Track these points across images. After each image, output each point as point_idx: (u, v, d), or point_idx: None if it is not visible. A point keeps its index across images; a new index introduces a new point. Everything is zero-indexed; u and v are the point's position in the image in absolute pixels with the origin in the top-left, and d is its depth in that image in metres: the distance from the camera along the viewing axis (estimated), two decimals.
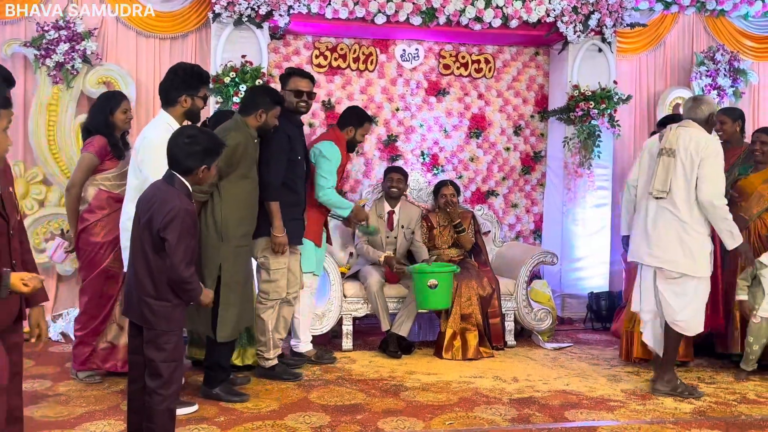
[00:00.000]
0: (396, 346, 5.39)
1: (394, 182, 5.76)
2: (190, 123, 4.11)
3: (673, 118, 5.34)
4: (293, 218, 4.62)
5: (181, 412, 3.85)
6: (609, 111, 6.53)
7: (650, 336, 4.61)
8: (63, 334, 5.58)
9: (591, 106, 6.45)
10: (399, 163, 6.64)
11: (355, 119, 5.21)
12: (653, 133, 5.49)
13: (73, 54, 5.83)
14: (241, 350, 4.79)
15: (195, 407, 4.02)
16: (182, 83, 4.06)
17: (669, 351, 4.50)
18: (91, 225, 4.44)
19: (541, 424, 3.93)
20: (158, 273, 3.11)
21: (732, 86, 6.95)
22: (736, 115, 5.29)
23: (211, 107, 5.97)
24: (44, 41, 5.80)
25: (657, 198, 4.38)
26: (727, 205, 4.37)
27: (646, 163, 4.57)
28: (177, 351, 3.18)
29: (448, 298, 5.29)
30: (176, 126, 4.00)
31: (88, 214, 4.45)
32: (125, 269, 3.59)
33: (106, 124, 4.50)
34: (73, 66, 5.85)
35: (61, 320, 5.67)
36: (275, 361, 4.69)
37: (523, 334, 6.02)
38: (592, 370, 5.06)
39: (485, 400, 4.35)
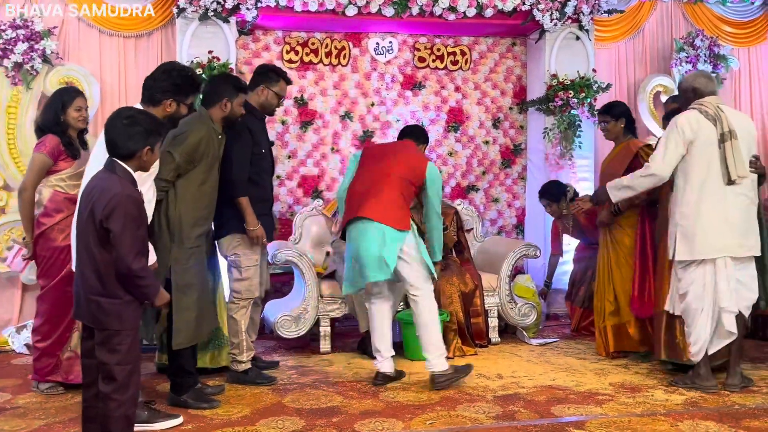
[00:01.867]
0: None
1: None
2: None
3: (675, 99, 5.20)
4: (261, 214, 4.40)
5: (165, 425, 3.65)
6: (589, 100, 6.38)
7: (703, 335, 4.21)
8: (27, 346, 5.33)
9: (570, 96, 6.30)
10: None
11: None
12: (666, 117, 5.14)
13: (32, 54, 5.60)
14: (214, 353, 4.57)
15: (180, 419, 3.73)
16: (173, 86, 3.73)
17: (740, 341, 4.29)
18: (48, 229, 4.20)
19: (526, 420, 3.74)
20: (105, 268, 2.88)
21: (713, 72, 6.80)
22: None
23: None
24: (1, 41, 5.57)
25: (734, 184, 4.15)
26: None
27: (701, 152, 4.16)
28: (132, 353, 2.94)
29: None
30: None
31: (45, 218, 4.21)
32: None
33: (57, 122, 4.24)
34: (32, 66, 5.63)
35: (25, 331, 5.42)
36: (248, 365, 4.47)
37: (508, 331, 5.84)
38: (579, 365, 4.88)
39: (468, 398, 4.15)
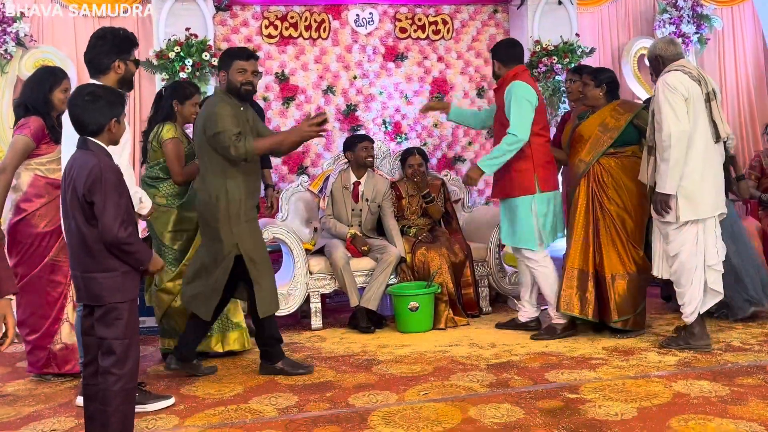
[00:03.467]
0: (367, 321, 5.17)
1: (370, 151, 5.48)
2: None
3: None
4: None
5: (157, 406, 3.63)
6: (573, 65, 6.32)
7: (698, 295, 4.24)
8: (16, 334, 5.26)
9: (554, 62, 6.26)
10: (360, 132, 6.38)
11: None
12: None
13: (5, 37, 5.51)
14: (219, 336, 4.51)
15: (171, 400, 3.71)
16: (113, 47, 3.60)
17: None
18: (29, 215, 4.06)
19: (520, 387, 3.73)
20: (95, 244, 2.83)
21: (696, 33, 6.78)
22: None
23: (156, 84, 5.67)
24: None
25: (719, 142, 4.22)
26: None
27: (693, 110, 4.15)
28: (131, 327, 2.91)
29: (429, 320, 5.07)
30: None
31: (25, 203, 4.07)
32: None
33: (45, 101, 4.10)
34: (6, 50, 5.53)
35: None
36: None
37: (499, 300, 5.83)
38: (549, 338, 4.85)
39: (462, 367, 4.14)
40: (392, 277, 5.30)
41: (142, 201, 3.75)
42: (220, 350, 4.50)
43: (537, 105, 4.63)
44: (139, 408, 3.49)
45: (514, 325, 5.00)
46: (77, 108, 2.91)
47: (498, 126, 4.79)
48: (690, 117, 4.13)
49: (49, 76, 4.17)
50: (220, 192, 3.97)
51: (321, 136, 4.10)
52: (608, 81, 4.80)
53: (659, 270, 4.40)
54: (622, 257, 4.60)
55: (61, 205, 3.01)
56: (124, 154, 3.49)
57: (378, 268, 5.26)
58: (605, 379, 3.79)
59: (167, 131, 4.30)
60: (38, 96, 4.12)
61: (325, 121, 3.92)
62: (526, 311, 4.98)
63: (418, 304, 4.99)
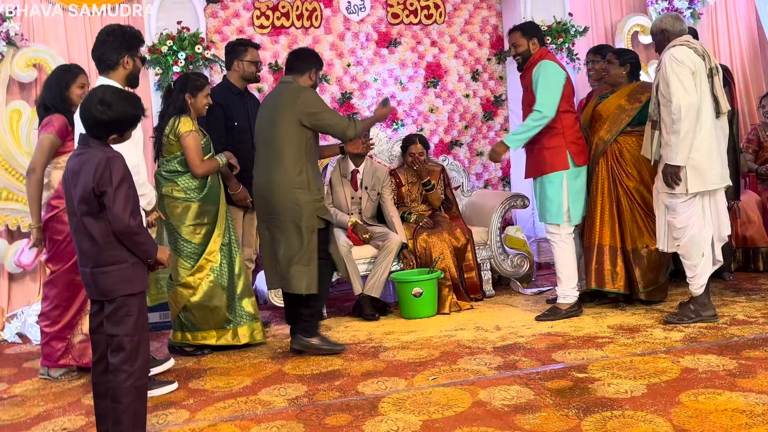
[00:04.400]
0: (371, 309, 5.17)
1: (367, 139, 5.45)
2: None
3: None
4: (242, 181, 4.60)
5: (161, 391, 3.75)
6: (567, 45, 6.33)
7: (708, 267, 4.33)
8: (19, 335, 5.26)
9: (548, 42, 6.21)
10: None
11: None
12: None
13: None
14: (236, 330, 4.47)
15: (174, 385, 3.85)
16: (122, 43, 3.71)
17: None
18: (60, 212, 4.06)
19: (528, 368, 3.74)
20: (105, 237, 2.83)
21: (689, 8, 6.75)
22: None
23: (150, 79, 5.64)
24: None
25: (719, 117, 4.29)
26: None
27: (699, 84, 4.20)
28: (140, 324, 2.90)
29: (433, 305, 5.06)
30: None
31: (56, 200, 4.08)
32: None
33: (62, 98, 4.15)
34: None
35: (15, 320, 5.35)
36: None
37: (501, 283, 5.84)
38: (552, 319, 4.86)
39: (468, 351, 4.15)
40: (395, 264, 5.30)
41: (147, 198, 3.80)
42: (237, 343, 4.48)
43: (565, 83, 4.67)
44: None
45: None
46: (89, 114, 2.89)
47: (525, 107, 4.84)
48: (698, 90, 4.16)
49: (65, 74, 4.26)
50: (302, 173, 4.21)
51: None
52: (632, 61, 4.92)
53: (664, 244, 4.43)
54: (642, 231, 4.74)
55: (66, 205, 2.98)
56: (137, 149, 3.55)
57: (380, 255, 5.26)
58: (612, 358, 3.80)
59: (184, 124, 4.30)
60: (55, 94, 4.19)
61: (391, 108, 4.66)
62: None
63: (421, 290, 4.99)
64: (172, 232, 4.38)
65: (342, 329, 4.92)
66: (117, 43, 3.71)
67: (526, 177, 4.93)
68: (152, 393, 3.68)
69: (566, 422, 2.99)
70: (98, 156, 2.81)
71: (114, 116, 2.86)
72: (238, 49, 5.00)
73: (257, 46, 5.13)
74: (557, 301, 4.79)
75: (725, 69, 5.25)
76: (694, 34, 5.00)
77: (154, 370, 3.87)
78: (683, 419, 2.92)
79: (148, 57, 5.56)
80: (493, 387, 3.48)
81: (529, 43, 4.78)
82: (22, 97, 5.67)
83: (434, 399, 3.38)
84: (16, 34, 5.53)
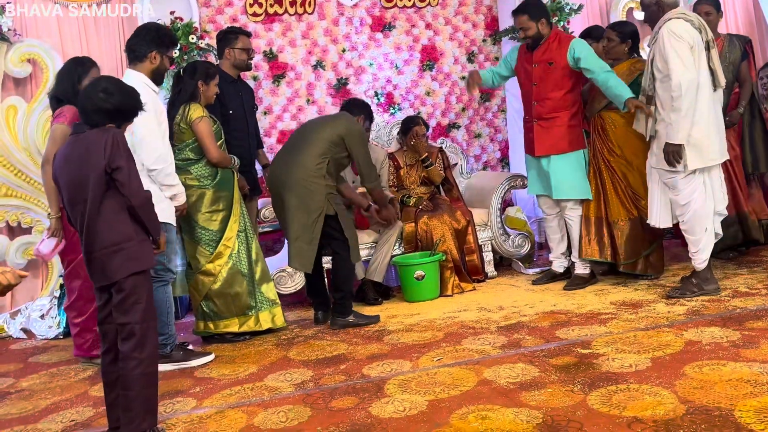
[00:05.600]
0: (374, 293, 5.19)
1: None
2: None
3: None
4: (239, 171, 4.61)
5: (200, 361, 4.07)
6: (562, 23, 6.28)
7: (711, 240, 4.36)
8: (24, 330, 5.27)
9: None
10: None
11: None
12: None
13: None
14: (257, 315, 4.48)
15: (212, 356, 4.16)
16: (154, 39, 3.98)
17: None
18: None
19: (533, 346, 3.75)
20: (115, 215, 2.88)
21: None
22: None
23: None
24: None
25: (716, 90, 4.28)
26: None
27: (698, 58, 4.17)
28: (149, 311, 2.94)
29: (436, 287, 5.07)
30: (151, 83, 3.99)
31: None
32: None
33: (75, 92, 4.16)
34: None
35: (20, 316, 5.36)
36: None
37: (503, 264, 5.85)
38: (578, 288, 4.89)
39: (472, 331, 4.16)
40: (396, 247, 5.30)
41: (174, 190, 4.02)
42: (259, 329, 4.50)
43: None
44: (185, 365, 3.99)
45: (551, 276, 5.20)
46: (89, 101, 2.93)
47: (541, 83, 4.84)
48: (696, 65, 4.13)
49: (77, 67, 4.32)
50: (321, 168, 4.52)
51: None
52: (633, 36, 4.92)
53: (657, 219, 4.44)
54: (624, 203, 4.79)
55: (65, 194, 2.98)
56: (165, 141, 3.93)
57: (381, 239, 5.26)
58: (616, 333, 3.81)
59: (195, 111, 4.30)
60: (67, 87, 4.24)
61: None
62: (563, 262, 5.16)
63: (423, 273, 4.99)
64: (189, 221, 4.39)
65: None
66: (149, 38, 3.99)
67: (540, 153, 4.91)
68: (192, 363, 4.02)
69: (572, 397, 3.00)
70: (102, 135, 2.86)
71: (116, 105, 2.93)
72: (228, 37, 5.03)
73: (249, 34, 5.14)
74: (577, 272, 4.97)
75: (747, 41, 5.26)
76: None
77: (191, 363, 4.06)
78: (688, 390, 2.93)
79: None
80: (497, 366, 3.49)
81: (537, 25, 4.79)
82: (18, 93, 5.65)
83: (439, 379, 3.39)
84: (8, 30, 5.50)
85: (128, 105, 2.99)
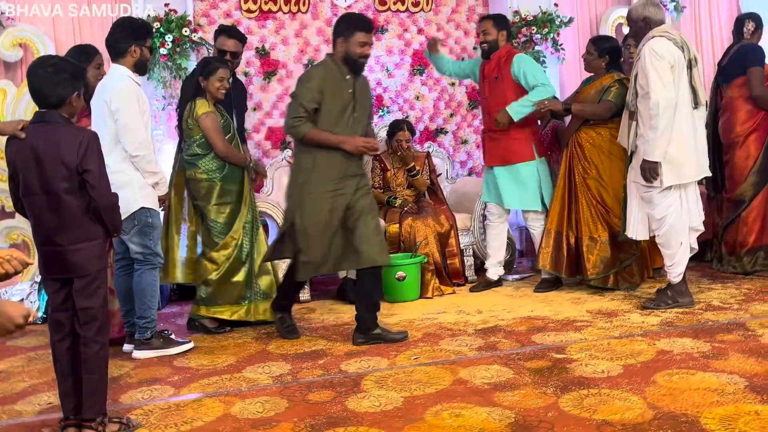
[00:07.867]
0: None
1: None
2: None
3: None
4: None
5: (179, 349, 4.10)
6: (552, 35, 6.38)
7: (686, 254, 4.43)
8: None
9: (533, 32, 6.30)
10: None
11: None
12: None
13: None
14: (250, 306, 4.55)
15: (191, 344, 4.19)
16: (131, 33, 4.04)
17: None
18: None
19: (508, 349, 3.82)
20: (81, 214, 2.89)
21: (672, 1, 6.83)
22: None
23: None
24: None
25: (697, 108, 4.35)
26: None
27: (678, 76, 4.25)
28: (106, 296, 3.02)
29: (416, 289, 5.14)
30: (134, 76, 4.05)
31: None
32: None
33: None
34: None
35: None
36: None
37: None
38: (556, 295, 4.98)
39: (450, 333, 4.22)
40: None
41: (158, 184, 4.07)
42: (252, 319, 4.56)
43: None
44: (164, 352, 4.02)
45: (486, 284, 5.36)
46: (39, 79, 2.86)
47: (490, 96, 5.11)
48: (675, 84, 4.21)
49: (81, 54, 4.38)
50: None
51: (370, 155, 4.32)
52: (610, 51, 4.97)
53: (634, 232, 4.53)
54: (596, 221, 4.89)
55: (22, 185, 2.94)
56: (147, 130, 3.93)
57: None
58: (591, 340, 3.89)
59: (200, 107, 4.39)
60: None
61: (376, 149, 4.21)
62: (498, 269, 5.38)
63: (405, 274, 5.05)
64: (203, 212, 4.52)
65: (326, 312, 4.98)
66: (126, 34, 4.04)
67: (489, 164, 5.18)
68: (171, 351, 4.05)
69: (544, 399, 3.06)
70: (79, 132, 2.88)
71: (72, 72, 2.90)
72: (216, 34, 5.08)
73: (232, 35, 4.97)
74: (543, 276, 5.19)
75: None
76: None
77: (170, 351, 4.09)
78: (657, 397, 3.00)
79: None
80: (473, 366, 3.55)
81: (498, 34, 5.05)
82: (7, 76, 5.65)
83: (416, 377, 3.45)
84: (2, 14, 5.51)
85: (76, 69, 2.97)
